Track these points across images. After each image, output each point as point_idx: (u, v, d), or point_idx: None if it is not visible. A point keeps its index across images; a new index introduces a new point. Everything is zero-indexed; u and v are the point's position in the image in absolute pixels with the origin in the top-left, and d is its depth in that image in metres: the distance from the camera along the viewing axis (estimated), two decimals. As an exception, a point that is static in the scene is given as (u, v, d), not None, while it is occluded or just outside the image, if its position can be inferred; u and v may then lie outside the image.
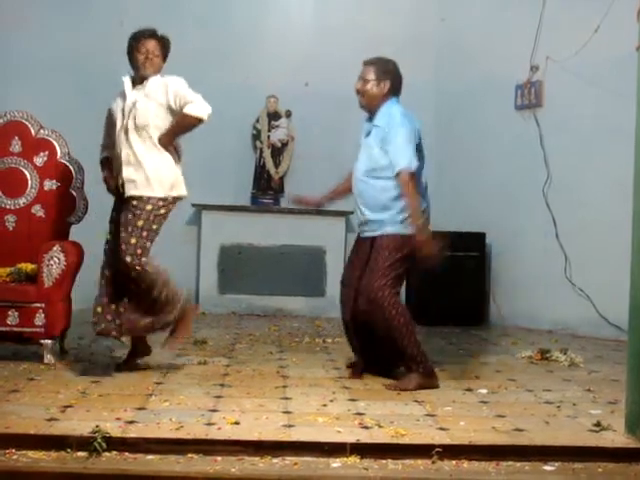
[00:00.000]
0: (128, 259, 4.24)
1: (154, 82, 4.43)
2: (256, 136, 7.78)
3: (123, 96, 4.44)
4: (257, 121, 7.78)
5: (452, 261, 7.03)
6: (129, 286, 4.36)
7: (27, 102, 5.59)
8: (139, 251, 4.26)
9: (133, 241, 4.25)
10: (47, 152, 5.08)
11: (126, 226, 4.27)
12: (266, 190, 7.75)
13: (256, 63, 7.59)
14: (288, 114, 7.75)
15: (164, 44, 4.49)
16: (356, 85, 4.58)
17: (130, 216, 4.28)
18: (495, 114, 7.22)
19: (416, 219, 4.28)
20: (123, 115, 4.38)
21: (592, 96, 6.40)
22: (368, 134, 4.54)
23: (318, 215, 7.53)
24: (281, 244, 7.57)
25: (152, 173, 4.34)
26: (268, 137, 7.72)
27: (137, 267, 4.25)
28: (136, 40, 4.43)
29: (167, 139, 4.40)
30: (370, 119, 4.57)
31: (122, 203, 4.39)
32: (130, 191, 4.32)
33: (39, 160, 5.07)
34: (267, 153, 7.71)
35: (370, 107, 4.55)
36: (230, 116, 7.32)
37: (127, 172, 4.34)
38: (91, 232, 5.16)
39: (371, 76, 4.52)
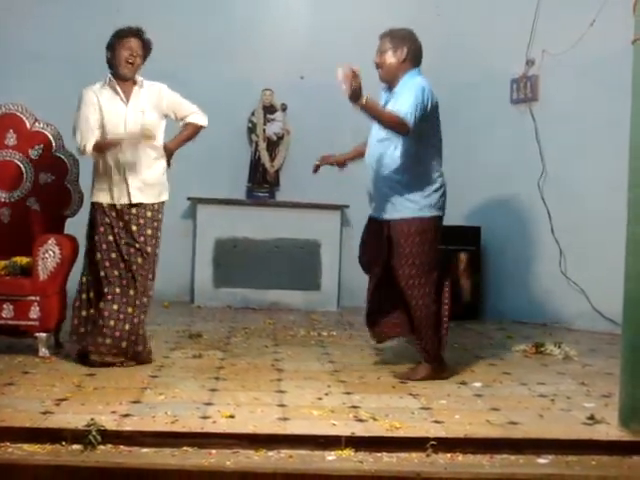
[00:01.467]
0: (151, 276, 4.53)
1: (150, 90, 4.52)
2: (251, 129, 7.76)
3: (113, 97, 4.46)
4: (252, 114, 7.76)
5: (447, 255, 7.06)
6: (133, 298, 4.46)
7: (22, 94, 5.57)
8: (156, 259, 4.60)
9: (156, 251, 4.56)
10: (42, 145, 5.07)
11: (150, 237, 4.50)
12: (261, 184, 7.74)
13: (252, 56, 7.57)
14: (284, 107, 7.73)
15: (146, 46, 4.50)
16: (375, 59, 4.43)
17: (151, 229, 4.50)
18: (491, 108, 7.23)
19: (369, 107, 3.98)
20: (125, 121, 4.42)
21: (588, 90, 6.40)
22: (386, 103, 4.35)
23: (313, 209, 7.53)
24: (276, 238, 7.56)
25: (160, 179, 4.57)
26: (264, 131, 7.70)
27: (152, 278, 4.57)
28: (120, 37, 4.42)
29: (175, 148, 4.61)
30: (389, 89, 4.43)
31: (120, 213, 4.46)
32: (141, 199, 4.47)
33: (34, 153, 5.07)
34: (262, 147, 7.69)
35: (391, 78, 4.39)
36: (225, 109, 7.31)
37: (137, 180, 4.45)
38: (86, 225, 5.16)
39: (387, 46, 4.39)
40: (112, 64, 4.48)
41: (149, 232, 4.48)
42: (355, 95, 3.88)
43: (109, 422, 3.24)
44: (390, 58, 4.38)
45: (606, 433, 3.36)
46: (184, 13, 7.57)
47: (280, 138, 7.73)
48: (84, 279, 4.52)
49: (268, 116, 7.74)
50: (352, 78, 3.84)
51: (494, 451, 3.17)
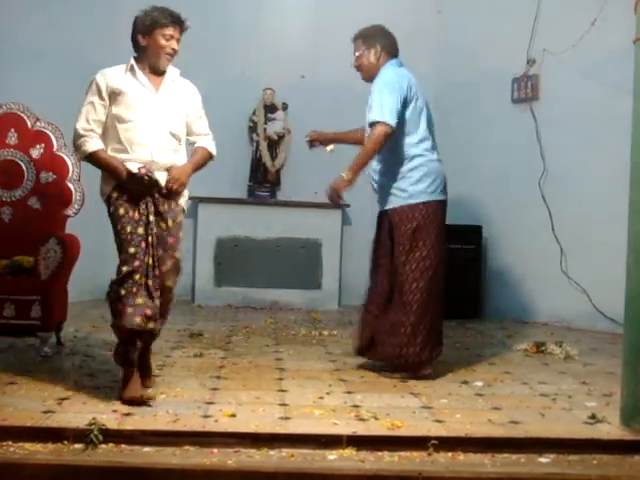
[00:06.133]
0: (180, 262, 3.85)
1: (182, 85, 3.92)
2: (252, 129, 7.77)
3: (135, 82, 3.75)
4: (253, 114, 7.76)
5: (448, 254, 7.06)
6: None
7: (22, 93, 5.57)
8: None
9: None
10: (43, 144, 5.06)
11: (178, 231, 3.81)
12: (262, 183, 7.75)
13: (253, 55, 7.59)
14: (285, 107, 7.74)
15: (182, 33, 3.87)
16: (353, 63, 4.59)
17: (180, 219, 3.86)
18: (492, 107, 7.23)
19: (354, 171, 4.24)
20: (151, 111, 3.74)
21: (589, 89, 6.40)
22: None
23: (314, 208, 7.53)
24: (277, 237, 7.57)
25: None
26: (265, 130, 7.71)
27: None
28: (162, 23, 3.75)
29: (188, 178, 3.87)
30: None
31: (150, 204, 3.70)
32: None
33: (35, 152, 5.06)
34: (263, 146, 7.70)
35: (371, 77, 4.50)
36: (226, 109, 7.31)
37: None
38: (88, 225, 5.16)
39: (361, 48, 4.53)
40: (141, 50, 3.81)
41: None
42: (340, 195, 4.29)
43: (111, 421, 3.24)
44: (366, 59, 4.52)
45: (607, 432, 3.36)
46: (185, 12, 7.49)
47: (281, 137, 7.74)
48: None
49: (269, 115, 7.74)
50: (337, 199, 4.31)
51: (495, 450, 3.17)
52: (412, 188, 4.36)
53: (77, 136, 3.71)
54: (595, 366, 4.87)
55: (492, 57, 7.05)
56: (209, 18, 7.61)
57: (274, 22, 7.79)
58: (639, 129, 3.40)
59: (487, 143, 7.27)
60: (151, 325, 3.64)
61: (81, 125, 3.70)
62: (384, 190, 4.45)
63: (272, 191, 7.77)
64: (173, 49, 3.79)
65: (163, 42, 3.75)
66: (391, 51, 4.53)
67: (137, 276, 3.58)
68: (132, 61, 3.80)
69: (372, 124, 4.28)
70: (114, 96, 3.72)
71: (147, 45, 3.78)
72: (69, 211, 5.01)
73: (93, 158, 3.70)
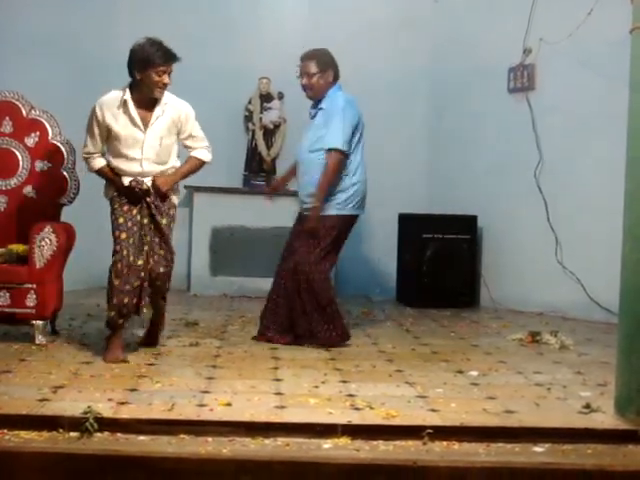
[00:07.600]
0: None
1: (172, 112, 4.39)
2: (248, 118, 7.75)
3: (126, 120, 4.30)
4: (249, 103, 7.74)
5: (444, 244, 7.07)
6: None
7: (18, 82, 5.55)
8: None
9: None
10: (38, 133, 5.05)
11: (171, 222, 4.50)
12: (258, 172, 7.72)
13: (249, 44, 7.55)
14: (280, 96, 7.71)
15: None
16: (301, 81, 4.94)
17: (172, 212, 4.52)
18: (488, 97, 7.21)
19: (320, 198, 4.78)
20: (139, 148, 4.35)
21: (585, 79, 6.39)
22: (314, 116, 4.96)
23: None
24: (273, 226, 7.54)
25: None
26: (260, 119, 7.69)
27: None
28: (155, 63, 4.20)
29: (170, 187, 4.47)
30: (315, 105, 4.97)
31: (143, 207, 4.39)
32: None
33: (30, 141, 5.05)
34: (259, 135, 7.68)
35: (319, 97, 4.92)
36: (222, 97, 7.30)
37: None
38: (83, 213, 5.15)
39: (314, 69, 4.90)
40: (139, 82, 4.28)
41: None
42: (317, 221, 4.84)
43: (106, 410, 3.24)
44: (319, 80, 4.90)
45: (602, 422, 3.37)
46: (181, 1, 7.54)
47: (277, 127, 7.71)
48: None
49: (265, 104, 7.71)
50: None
51: (490, 439, 3.17)
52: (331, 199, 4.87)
53: (83, 158, 4.48)
54: (590, 356, 4.88)
55: (488, 46, 7.02)
56: (205, 6, 7.59)
57: (271, 11, 7.75)
58: (635, 121, 3.39)
59: (483, 133, 7.26)
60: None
61: (85, 150, 4.43)
62: (303, 192, 4.95)
63: (268, 180, 7.73)
64: (164, 83, 4.26)
65: (156, 78, 4.22)
66: (338, 76, 4.97)
67: (131, 258, 4.27)
68: (127, 95, 4.30)
69: (330, 149, 4.75)
70: (108, 131, 4.33)
71: (141, 79, 4.25)
72: (64, 200, 5.01)
73: (98, 174, 4.46)
